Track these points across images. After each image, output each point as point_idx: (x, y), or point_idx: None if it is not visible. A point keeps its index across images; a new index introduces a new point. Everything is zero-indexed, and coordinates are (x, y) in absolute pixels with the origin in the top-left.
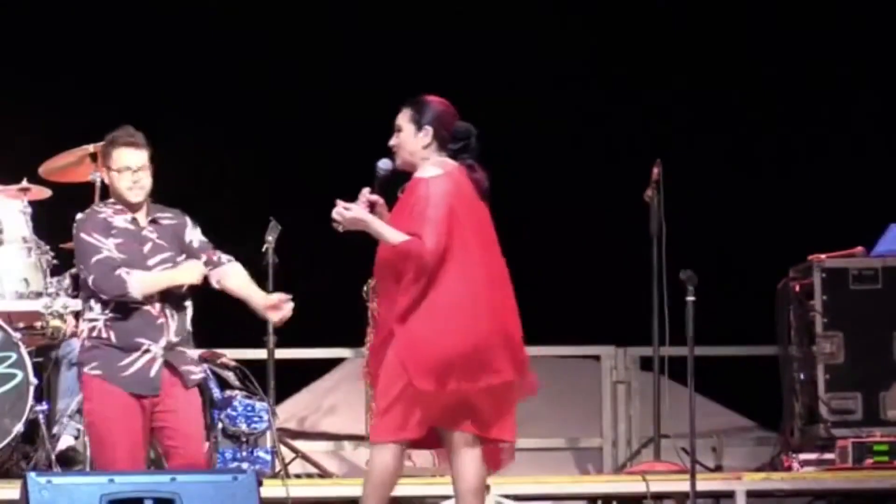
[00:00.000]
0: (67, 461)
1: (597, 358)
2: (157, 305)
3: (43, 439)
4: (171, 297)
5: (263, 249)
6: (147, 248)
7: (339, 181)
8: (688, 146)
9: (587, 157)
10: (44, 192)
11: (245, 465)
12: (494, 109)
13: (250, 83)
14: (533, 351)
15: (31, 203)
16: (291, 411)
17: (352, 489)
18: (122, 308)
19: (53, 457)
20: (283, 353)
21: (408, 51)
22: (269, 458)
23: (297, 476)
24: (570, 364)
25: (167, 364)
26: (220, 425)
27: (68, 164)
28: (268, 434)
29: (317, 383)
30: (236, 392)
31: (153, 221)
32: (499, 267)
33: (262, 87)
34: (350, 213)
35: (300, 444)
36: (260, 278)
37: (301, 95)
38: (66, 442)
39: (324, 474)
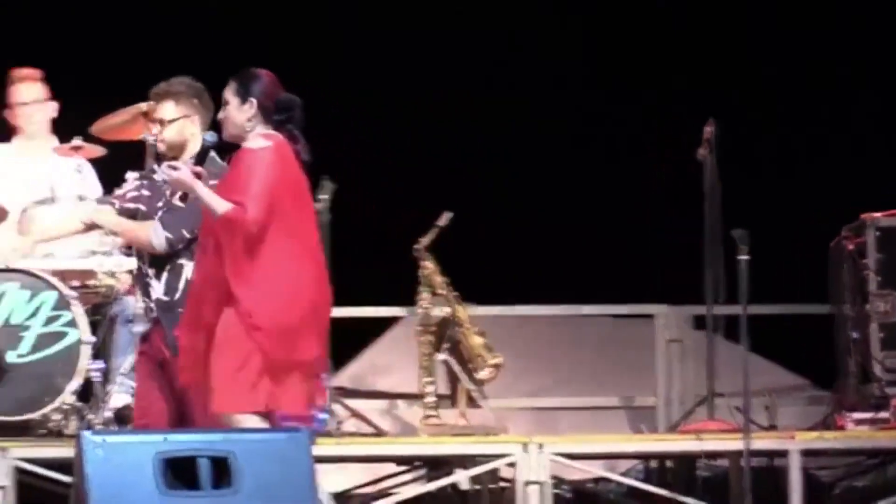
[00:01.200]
0: (122, 419)
1: (650, 317)
2: (142, 262)
3: (98, 398)
4: (153, 255)
5: (317, 208)
6: (160, 202)
7: (392, 139)
8: (743, 103)
9: (642, 114)
10: (97, 151)
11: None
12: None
13: (305, 37)
14: (586, 310)
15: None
16: (346, 370)
17: (406, 448)
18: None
19: (108, 415)
20: (337, 312)
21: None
22: (323, 416)
23: (351, 434)
24: (623, 323)
25: (157, 322)
26: None
27: (122, 123)
28: None
29: (372, 344)
30: None
31: None
32: (315, 238)
33: (321, 40)
34: (177, 173)
35: (354, 403)
36: None
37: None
38: (121, 400)
39: (378, 433)
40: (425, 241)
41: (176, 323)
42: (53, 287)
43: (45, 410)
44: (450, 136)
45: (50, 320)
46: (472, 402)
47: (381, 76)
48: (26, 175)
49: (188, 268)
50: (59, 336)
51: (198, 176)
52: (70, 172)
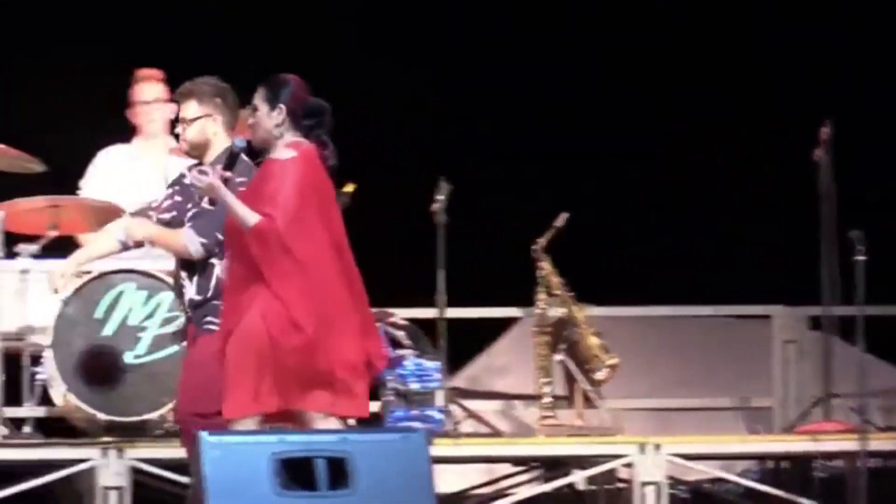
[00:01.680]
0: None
1: (767, 318)
2: (176, 266)
3: None
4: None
5: (434, 209)
6: (189, 204)
7: (509, 139)
8: (860, 105)
9: (759, 114)
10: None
11: (416, 425)
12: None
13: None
14: (703, 311)
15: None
16: (463, 371)
17: (522, 448)
18: None
19: None
20: (454, 313)
21: None
22: (440, 416)
23: (468, 435)
24: (740, 324)
25: (193, 321)
26: (391, 385)
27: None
28: (438, 393)
29: (489, 345)
30: (407, 351)
31: None
32: (343, 242)
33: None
34: (207, 178)
35: (471, 404)
36: (431, 238)
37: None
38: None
39: (495, 433)
40: (542, 241)
41: (207, 314)
42: (171, 287)
43: (162, 411)
44: (567, 137)
45: (167, 321)
46: (588, 403)
47: (498, 76)
48: (143, 175)
49: (218, 267)
50: (176, 337)
51: (225, 181)
52: (186, 173)
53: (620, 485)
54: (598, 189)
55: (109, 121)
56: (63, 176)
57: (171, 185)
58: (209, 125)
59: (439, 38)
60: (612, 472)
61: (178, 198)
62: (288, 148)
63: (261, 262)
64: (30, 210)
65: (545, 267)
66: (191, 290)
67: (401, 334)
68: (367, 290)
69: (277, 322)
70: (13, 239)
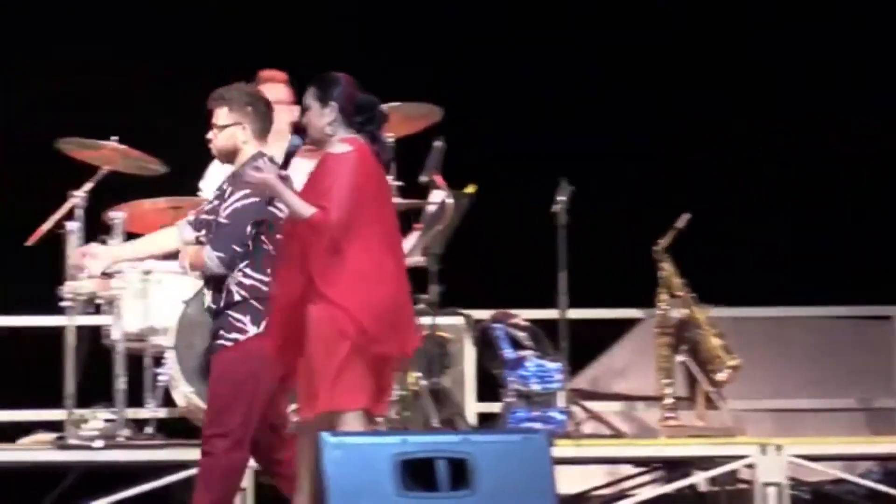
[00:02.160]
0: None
1: (887, 318)
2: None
3: None
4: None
5: (555, 210)
6: (211, 206)
7: (629, 139)
8: None
9: (877, 114)
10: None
11: (537, 426)
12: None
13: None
14: (825, 311)
15: None
16: (585, 372)
17: (644, 449)
18: None
19: None
20: (575, 313)
21: None
22: (561, 418)
23: (590, 436)
24: (861, 324)
25: (212, 333)
26: (512, 385)
27: None
28: (560, 394)
29: (611, 346)
30: (529, 352)
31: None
32: (396, 236)
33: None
34: (261, 175)
35: (592, 405)
36: (552, 239)
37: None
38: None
39: (616, 434)
40: (664, 242)
41: (220, 327)
42: None
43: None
44: (688, 137)
45: None
46: (710, 404)
47: (621, 77)
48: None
49: (231, 278)
50: None
51: (283, 178)
52: (306, 175)
53: (742, 486)
54: (719, 189)
55: None
56: (183, 177)
57: (218, 189)
58: (239, 133)
59: (578, 39)
60: (733, 472)
61: (216, 202)
62: (343, 143)
63: (312, 254)
64: (151, 211)
65: (666, 268)
66: (208, 300)
67: (522, 335)
68: (489, 291)
69: (330, 319)
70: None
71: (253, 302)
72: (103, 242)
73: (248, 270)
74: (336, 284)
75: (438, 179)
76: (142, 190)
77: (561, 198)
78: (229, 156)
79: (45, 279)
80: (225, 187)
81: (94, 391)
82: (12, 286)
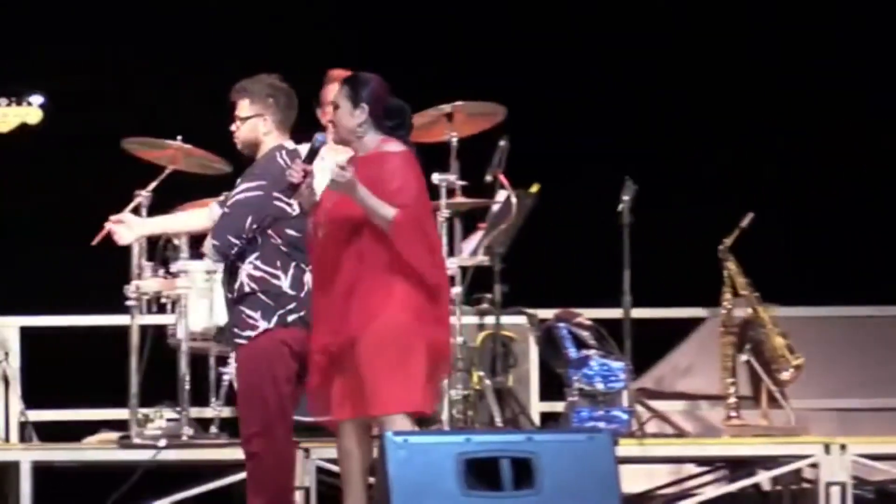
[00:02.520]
0: (424, 421)
1: None
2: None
3: None
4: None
5: (619, 209)
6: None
7: (693, 138)
8: None
9: None
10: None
11: (601, 425)
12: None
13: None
14: (890, 311)
15: None
16: (649, 372)
17: (708, 448)
18: None
19: None
20: (639, 313)
21: None
22: (625, 417)
23: (654, 435)
24: None
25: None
26: (576, 385)
27: (425, 125)
28: (624, 393)
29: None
30: (593, 351)
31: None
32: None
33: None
34: (348, 174)
35: (656, 404)
36: (616, 238)
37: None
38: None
39: (680, 434)
40: (728, 241)
41: (234, 322)
42: None
43: None
44: (752, 136)
45: None
46: (773, 403)
47: (686, 76)
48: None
49: (243, 270)
50: None
51: (307, 174)
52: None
53: (805, 485)
54: (783, 189)
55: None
56: None
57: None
58: (260, 124)
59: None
60: (796, 472)
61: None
62: (392, 142)
63: (407, 255)
64: None
65: (731, 267)
66: (227, 289)
67: (586, 334)
68: (553, 290)
69: (423, 311)
70: (199, 239)
71: (262, 296)
72: (137, 213)
73: (257, 263)
74: (415, 283)
75: (503, 179)
76: (206, 189)
77: (625, 197)
78: (252, 147)
79: (111, 279)
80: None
81: (159, 390)
82: (78, 286)
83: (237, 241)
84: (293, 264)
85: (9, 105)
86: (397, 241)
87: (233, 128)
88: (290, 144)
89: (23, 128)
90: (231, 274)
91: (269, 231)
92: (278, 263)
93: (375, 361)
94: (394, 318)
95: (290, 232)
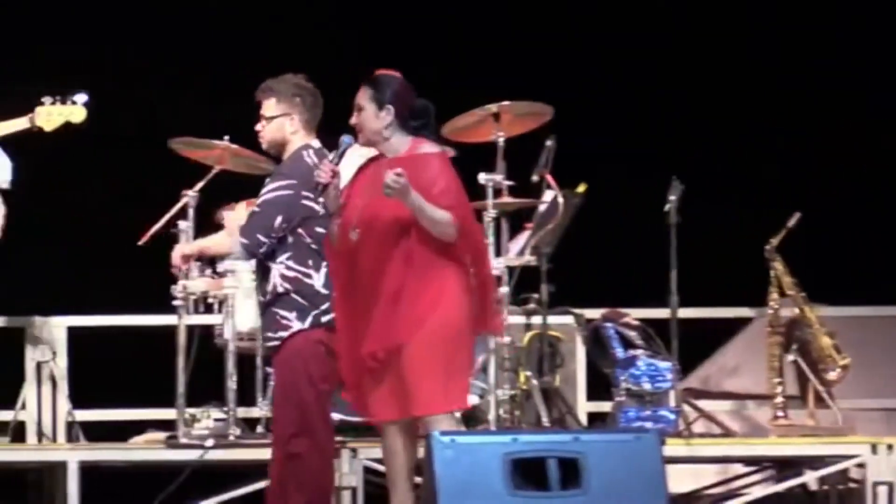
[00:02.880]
0: (471, 420)
1: None
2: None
3: None
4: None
5: (666, 209)
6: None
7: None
8: None
9: None
10: (448, 152)
11: (648, 425)
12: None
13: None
14: None
15: None
16: (696, 372)
17: (755, 448)
18: None
19: (457, 416)
20: (686, 313)
21: None
22: (672, 417)
23: (701, 435)
24: None
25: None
26: (623, 384)
27: (472, 124)
28: (671, 393)
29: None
30: (640, 351)
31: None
32: None
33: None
34: (403, 180)
35: (703, 404)
36: (663, 238)
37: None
38: (469, 401)
39: (727, 434)
40: (775, 241)
41: (267, 324)
42: None
43: None
44: (799, 135)
45: None
46: (820, 403)
47: (731, 75)
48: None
49: (275, 270)
50: None
51: (333, 174)
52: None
53: (852, 485)
54: (830, 188)
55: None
56: None
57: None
58: (287, 124)
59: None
60: (843, 472)
61: None
62: (425, 143)
63: (471, 254)
64: None
65: (778, 267)
66: (260, 291)
67: (633, 335)
68: (600, 290)
69: (470, 312)
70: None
71: (295, 296)
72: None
73: (290, 263)
74: (470, 284)
75: (549, 178)
76: (253, 189)
77: (672, 197)
78: (278, 147)
79: (158, 279)
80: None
81: (206, 390)
82: (125, 285)
83: (266, 240)
84: (324, 263)
85: (53, 104)
86: (458, 243)
87: (258, 127)
88: (317, 143)
89: (67, 126)
90: (263, 276)
91: (300, 230)
92: (310, 262)
93: (424, 364)
94: (443, 321)
95: (320, 230)
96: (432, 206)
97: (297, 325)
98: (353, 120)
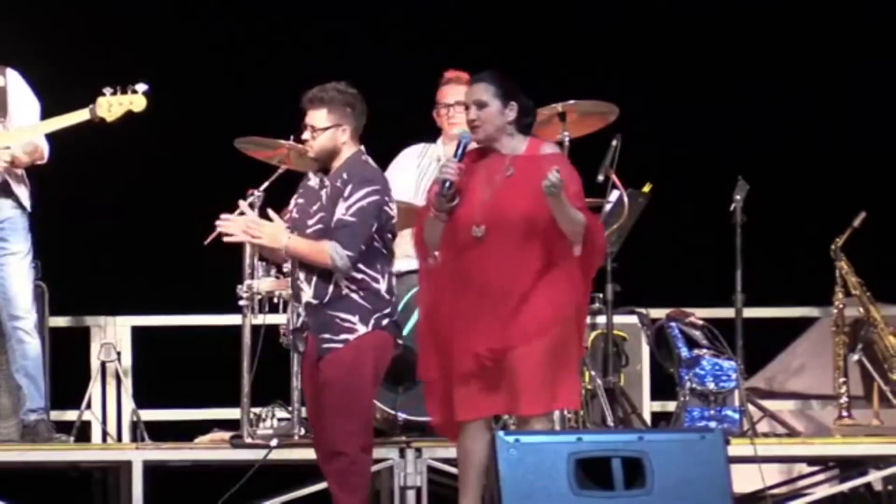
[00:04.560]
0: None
1: None
2: (294, 267)
3: None
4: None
5: (732, 208)
6: (315, 206)
7: (805, 137)
8: None
9: None
10: None
11: (713, 424)
12: None
13: None
14: None
15: None
16: (761, 371)
17: (819, 448)
18: None
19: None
20: (751, 312)
21: None
22: (737, 416)
23: (765, 435)
24: None
25: (308, 327)
26: (688, 384)
27: (537, 123)
28: (736, 393)
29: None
30: (704, 351)
31: (332, 181)
32: None
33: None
34: (560, 179)
35: (768, 403)
36: (729, 237)
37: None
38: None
39: (791, 433)
40: (840, 241)
41: (323, 325)
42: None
43: None
44: (864, 135)
45: None
46: (885, 403)
47: (796, 74)
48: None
49: (339, 273)
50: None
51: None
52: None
53: None
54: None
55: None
56: None
57: (297, 194)
58: (339, 134)
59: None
60: None
61: (300, 200)
62: (546, 143)
63: (593, 256)
64: None
65: (843, 266)
66: (308, 293)
67: (698, 334)
68: (665, 289)
69: (583, 313)
70: None
71: (359, 298)
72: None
73: (360, 265)
74: (576, 286)
75: (615, 178)
76: None
77: (738, 196)
78: (328, 156)
79: (224, 278)
80: (330, 184)
81: (271, 390)
82: (191, 285)
83: (364, 248)
84: (388, 268)
85: (114, 94)
86: (586, 245)
87: (306, 136)
88: (363, 147)
89: (128, 116)
90: (324, 276)
91: (375, 234)
92: (378, 266)
93: (539, 365)
94: (562, 325)
95: (389, 236)
96: (573, 209)
97: (361, 328)
98: (472, 115)
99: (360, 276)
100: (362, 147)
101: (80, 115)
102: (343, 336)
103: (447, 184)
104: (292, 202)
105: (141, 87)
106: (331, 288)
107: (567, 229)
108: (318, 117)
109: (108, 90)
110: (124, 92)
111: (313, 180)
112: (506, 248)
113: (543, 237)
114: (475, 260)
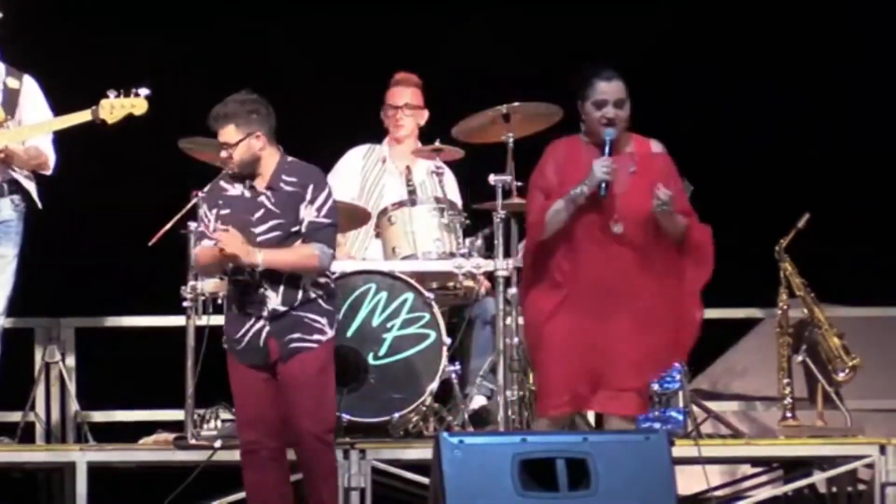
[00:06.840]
0: (480, 421)
1: None
2: (256, 276)
3: (456, 399)
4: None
5: None
6: (258, 215)
7: (748, 139)
8: None
9: None
10: (457, 153)
11: (657, 425)
12: None
13: None
14: None
15: (446, 164)
16: (704, 372)
17: (763, 449)
18: (231, 279)
19: (466, 417)
20: None
21: None
22: (681, 418)
23: (709, 436)
24: None
25: (273, 334)
26: None
27: (481, 126)
28: (680, 394)
29: (731, 346)
30: None
31: (270, 187)
32: None
33: None
34: (670, 192)
35: (712, 405)
36: None
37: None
38: (478, 402)
39: (735, 434)
40: (784, 242)
41: (292, 327)
42: (413, 288)
43: (404, 412)
44: (806, 136)
45: (408, 322)
46: (829, 404)
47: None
48: (383, 177)
49: (306, 277)
50: (419, 338)
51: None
52: (428, 175)
53: (861, 486)
54: (839, 188)
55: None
56: None
57: (204, 201)
58: (254, 142)
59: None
60: (852, 473)
61: (224, 211)
62: (652, 140)
63: (702, 264)
64: None
65: (787, 267)
66: (275, 300)
67: None
68: None
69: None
70: None
71: (321, 302)
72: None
73: None
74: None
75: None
76: None
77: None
78: (251, 166)
79: (167, 279)
80: (276, 189)
81: (215, 391)
82: (134, 286)
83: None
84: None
85: (117, 97)
86: (694, 246)
87: (223, 154)
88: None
89: (128, 119)
90: (293, 282)
91: None
92: (331, 270)
93: (648, 371)
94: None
95: (339, 238)
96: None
97: (329, 332)
98: (612, 114)
99: (323, 280)
100: (280, 147)
101: (82, 116)
102: (316, 336)
103: (604, 185)
104: (209, 215)
105: (143, 91)
106: (300, 294)
107: (671, 233)
108: (228, 133)
109: (111, 92)
110: (127, 95)
111: (234, 190)
112: (643, 245)
113: (664, 240)
114: (608, 254)
